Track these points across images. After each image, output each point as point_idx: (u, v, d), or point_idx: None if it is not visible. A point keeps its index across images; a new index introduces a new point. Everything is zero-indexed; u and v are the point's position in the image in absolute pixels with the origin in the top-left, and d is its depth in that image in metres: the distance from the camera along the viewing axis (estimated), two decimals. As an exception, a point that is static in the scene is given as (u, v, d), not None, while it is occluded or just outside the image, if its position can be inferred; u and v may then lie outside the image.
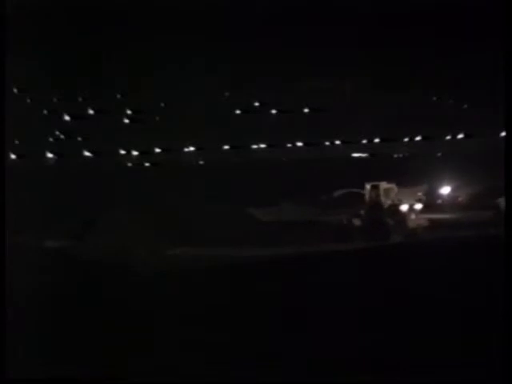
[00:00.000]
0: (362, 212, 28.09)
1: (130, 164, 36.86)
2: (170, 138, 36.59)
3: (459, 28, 33.34)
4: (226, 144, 36.81)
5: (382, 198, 28.16)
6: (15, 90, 35.62)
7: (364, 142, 36.82)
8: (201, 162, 37.04)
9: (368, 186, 28.55)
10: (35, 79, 35.36)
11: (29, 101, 36.85)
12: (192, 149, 37.04)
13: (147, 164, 36.87)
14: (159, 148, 36.86)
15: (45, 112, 37.07)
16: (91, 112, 37.35)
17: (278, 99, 37.42)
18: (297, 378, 11.78)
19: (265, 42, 34.74)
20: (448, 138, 36.49)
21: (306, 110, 37.42)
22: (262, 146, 37.05)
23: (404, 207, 27.92)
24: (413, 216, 28.10)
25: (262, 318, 14.40)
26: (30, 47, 31.95)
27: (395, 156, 36.71)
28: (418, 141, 36.29)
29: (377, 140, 36.81)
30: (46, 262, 19.29)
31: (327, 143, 36.90)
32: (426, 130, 36.16)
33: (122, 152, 36.89)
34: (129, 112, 37.63)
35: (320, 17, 34.57)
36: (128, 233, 27.32)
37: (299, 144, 37.02)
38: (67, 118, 37.22)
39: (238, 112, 37.65)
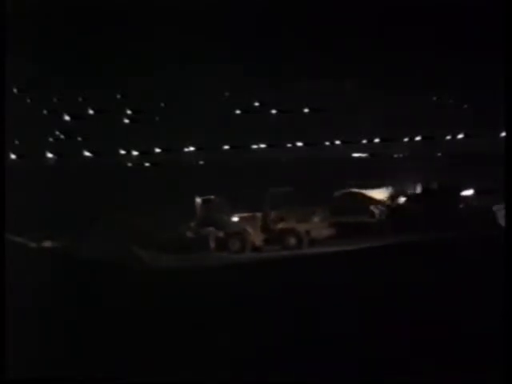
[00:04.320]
0: (193, 225, 27.56)
1: (129, 164, 36.89)
2: (170, 138, 36.64)
3: (459, 28, 33.40)
4: (226, 144, 36.85)
5: (215, 212, 27.67)
6: (15, 90, 35.67)
7: (364, 141, 36.89)
8: (201, 162, 37.08)
9: (199, 200, 27.96)
10: (35, 79, 35.41)
11: (29, 101, 36.91)
12: (192, 149, 37.09)
13: (147, 164, 36.90)
14: (159, 148, 36.90)
15: (45, 112, 37.12)
16: (91, 112, 37.40)
17: (278, 99, 37.48)
18: None
19: (265, 42, 34.80)
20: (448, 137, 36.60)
21: (306, 110, 37.47)
22: (262, 145, 37.10)
23: (235, 219, 27.55)
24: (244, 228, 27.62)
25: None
26: (30, 47, 31.99)
27: (395, 156, 36.79)
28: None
29: (377, 140, 36.90)
30: (45, 262, 19.29)
31: (327, 143, 36.97)
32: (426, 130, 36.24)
33: (122, 152, 36.92)
34: (129, 112, 37.69)
35: (320, 17, 34.62)
36: (128, 233, 27.30)
37: (299, 144, 37.09)
38: (67, 117, 37.26)
39: (238, 112, 37.71)
